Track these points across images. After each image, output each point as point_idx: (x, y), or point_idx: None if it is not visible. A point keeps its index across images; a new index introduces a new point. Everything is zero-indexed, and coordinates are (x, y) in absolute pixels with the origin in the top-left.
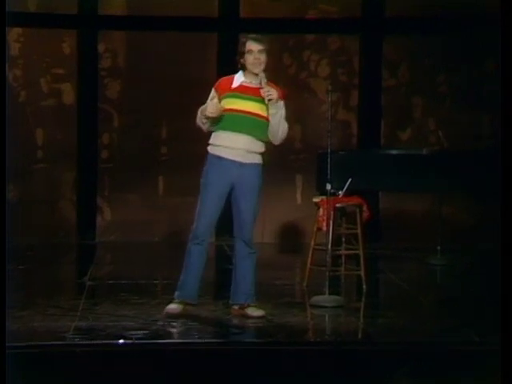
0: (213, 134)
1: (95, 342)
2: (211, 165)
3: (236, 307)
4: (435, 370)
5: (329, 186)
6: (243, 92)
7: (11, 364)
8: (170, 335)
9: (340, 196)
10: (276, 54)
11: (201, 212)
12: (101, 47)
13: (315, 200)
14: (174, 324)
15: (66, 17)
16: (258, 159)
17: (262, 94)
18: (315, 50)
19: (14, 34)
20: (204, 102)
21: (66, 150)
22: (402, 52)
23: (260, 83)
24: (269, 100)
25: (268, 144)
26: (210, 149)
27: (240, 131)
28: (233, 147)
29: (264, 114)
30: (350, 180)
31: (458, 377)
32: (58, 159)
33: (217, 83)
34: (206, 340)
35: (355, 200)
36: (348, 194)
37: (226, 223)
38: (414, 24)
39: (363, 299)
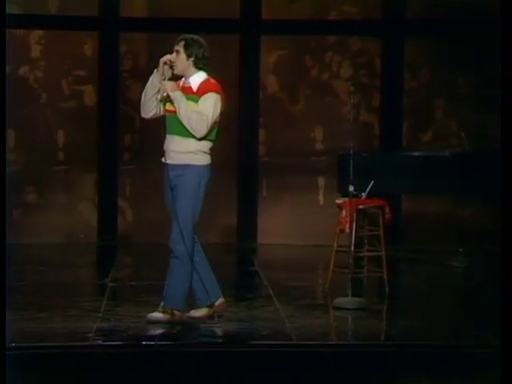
0: None
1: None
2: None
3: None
4: (455, 372)
5: (351, 188)
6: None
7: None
8: (191, 337)
9: (362, 198)
10: (298, 56)
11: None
12: (122, 49)
13: (338, 202)
14: (195, 325)
15: (87, 19)
16: (190, 160)
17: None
18: (337, 51)
19: (35, 36)
20: (227, 105)
21: (86, 152)
22: (423, 53)
23: (165, 78)
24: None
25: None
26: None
27: (169, 132)
28: (166, 150)
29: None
30: (372, 182)
31: (479, 379)
32: (78, 161)
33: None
34: (225, 341)
35: (377, 202)
36: (370, 195)
37: (248, 227)
38: (435, 25)
39: (385, 301)
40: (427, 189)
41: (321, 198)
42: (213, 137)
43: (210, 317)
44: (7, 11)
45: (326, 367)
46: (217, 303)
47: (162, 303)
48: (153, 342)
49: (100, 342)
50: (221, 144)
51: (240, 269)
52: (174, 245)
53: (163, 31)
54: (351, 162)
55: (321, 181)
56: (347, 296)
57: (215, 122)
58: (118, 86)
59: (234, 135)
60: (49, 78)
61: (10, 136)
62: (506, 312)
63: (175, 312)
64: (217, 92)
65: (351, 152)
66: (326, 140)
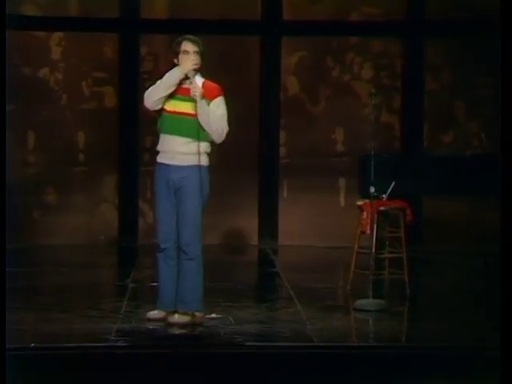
0: (159, 140)
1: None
2: (157, 172)
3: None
4: (477, 374)
5: (372, 189)
6: (176, 92)
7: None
8: (212, 338)
9: (383, 199)
10: (319, 57)
11: (158, 221)
12: (143, 50)
13: (359, 203)
14: (216, 327)
15: (107, 21)
16: (196, 161)
17: (190, 93)
18: (358, 52)
19: (55, 38)
20: (248, 107)
21: (107, 153)
22: (444, 55)
23: (190, 83)
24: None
25: (214, 144)
26: (157, 157)
27: (174, 133)
28: (170, 151)
29: (194, 112)
30: (393, 183)
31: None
32: (99, 162)
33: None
34: (247, 343)
35: (399, 203)
36: (391, 197)
37: (269, 228)
38: (456, 27)
39: (406, 303)
40: (448, 190)
41: (342, 199)
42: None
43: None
44: (27, 13)
45: (346, 369)
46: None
47: (178, 305)
48: (174, 344)
49: (120, 343)
50: (242, 145)
51: (261, 270)
52: (187, 247)
53: (184, 33)
54: (372, 163)
55: (342, 182)
56: (368, 298)
57: None
58: (138, 87)
59: (254, 136)
60: (69, 80)
61: (31, 137)
62: (506, 313)
63: (196, 314)
64: (223, 95)
65: (372, 153)
66: (347, 141)
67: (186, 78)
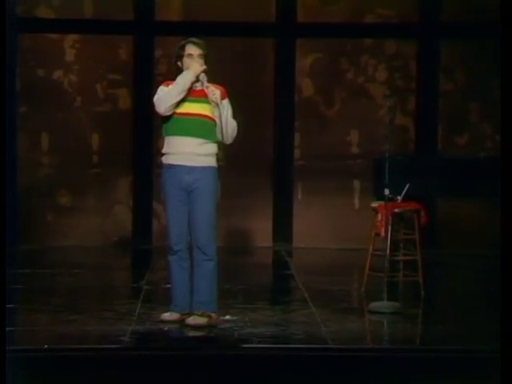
0: (164, 142)
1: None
2: (165, 174)
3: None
4: (491, 375)
5: (387, 191)
6: (187, 95)
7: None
8: (227, 340)
9: (398, 201)
10: (333, 59)
11: (169, 223)
12: (157, 53)
13: (373, 205)
14: (231, 329)
15: (122, 23)
16: (209, 162)
17: (208, 95)
18: (373, 54)
19: (70, 40)
20: (262, 109)
21: (121, 155)
22: (458, 56)
23: (202, 84)
24: (214, 100)
25: (226, 146)
26: (163, 159)
27: (186, 134)
28: (181, 152)
29: (209, 114)
30: (407, 185)
31: None
32: (113, 164)
33: (164, 85)
34: (260, 345)
35: (413, 205)
36: (406, 199)
37: (283, 230)
38: (470, 28)
39: (421, 305)
40: (462, 192)
41: (356, 201)
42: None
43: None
44: (42, 16)
45: (361, 371)
46: (191, 315)
47: (195, 306)
48: (188, 346)
49: (135, 345)
50: (256, 147)
51: (275, 272)
52: (205, 248)
53: (198, 35)
54: (387, 165)
55: (356, 184)
56: (383, 300)
57: None
58: (152, 89)
59: (269, 139)
60: (83, 82)
61: (44, 139)
62: (506, 314)
63: (212, 315)
64: (226, 97)
65: (387, 155)
66: (362, 143)
67: (197, 80)
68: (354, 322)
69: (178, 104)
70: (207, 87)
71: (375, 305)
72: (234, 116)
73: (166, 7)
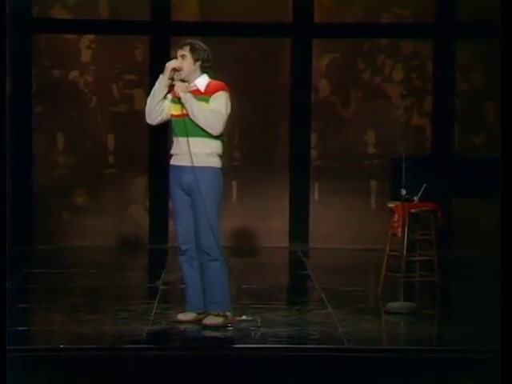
0: None
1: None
2: (170, 175)
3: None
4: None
5: (403, 192)
6: (174, 96)
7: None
8: (244, 340)
9: (415, 201)
10: (350, 59)
11: (176, 223)
12: (173, 53)
13: (390, 205)
14: (247, 330)
15: (138, 23)
16: (209, 162)
17: (176, 93)
18: (389, 54)
19: (86, 40)
20: (279, 109)
21: (137, 155)
22: (475, 56)
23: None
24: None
25: (227, 144)
26: (171, 160)
27: (183, 135)
28: (180, 152)
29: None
30: (424, 185)
31: None
32: (129, 164)
33: None
34: (277, 345)
35: (429, 205)
36: (422, 199)
37: (300, 230)
38: (487, 28)
39: (437, 306)
40: (479, 192)
41: (373, 201)
42: (225, 137)
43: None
44: (57, 17)
45: (377, 372)
46: (209, 315)
47: (209, 307)
48: (205, 345)
49: (151, 344)
50: (273, 147)
51: (292, 272)
52: (209, 249)
53: (214, 35)
54: (403, 165)
55: (373, 184)
56: (399, 300)
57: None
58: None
59: (285, 139)
60: (99, 83)
61: (60, 139)
62: (506, 314)
63: (227, 314)
64: (226, 91)
65: (403, 155)
66: (378, 143)
67: (172, 79)
68: (371, 322)
69: (171, 106)
70: (175, 85)
71: (391, 305)
72: (250, 115)
73: (182, 7)
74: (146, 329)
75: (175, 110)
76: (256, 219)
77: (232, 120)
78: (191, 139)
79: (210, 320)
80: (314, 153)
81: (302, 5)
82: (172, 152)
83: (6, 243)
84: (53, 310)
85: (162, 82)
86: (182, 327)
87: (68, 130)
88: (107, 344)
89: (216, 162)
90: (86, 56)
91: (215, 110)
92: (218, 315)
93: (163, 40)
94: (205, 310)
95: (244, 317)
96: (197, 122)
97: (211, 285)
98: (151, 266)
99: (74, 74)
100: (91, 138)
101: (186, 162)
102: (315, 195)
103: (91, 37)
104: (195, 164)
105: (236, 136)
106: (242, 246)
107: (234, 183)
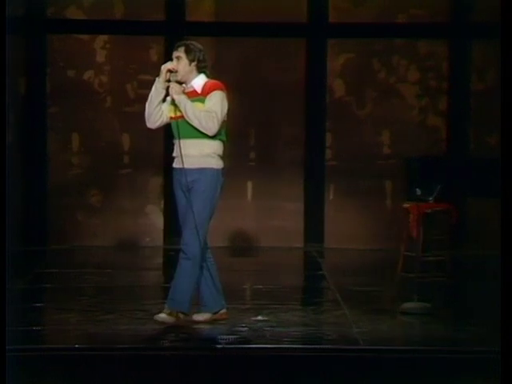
0: None
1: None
2: (173, 177)
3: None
4: None
5: (418, 192)
6: (172, 99)
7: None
8: (259, 339)
9: (430, 202)
10: (365, 59)
11: (181, 224)
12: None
13: (405, 206)
14: (263, 330)
15: (153, 24)
16: (207, 163)
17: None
18: (404, 54)
19: (100, 40)
20: (294, 109)
21: (152, 156)
22: (490, 56)
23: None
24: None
25: (225, 144)
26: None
27: (179, 137)
28: (178, 155)
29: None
30: (439, 186)
31: None
32: (144, 164)
33: None
34: (292, 345)
35: (444, 206)
36: (437, 199)
37: (315, 231)
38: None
39: (451, 306)
40: (494, 192)
41: (388, 201)
42: (223, 137)
43: (210, 322)
44: (72, 17)
45: (392, 372)
46: (221, 312)
47: (166, 304)
48: (219, 346)
49: (167, 343)
50: (287, 147)
51: (307, 272)
52: (186, 246)
53: (229, 35)
54: (418, 165)
55: (388, 185)
56: (414, 301)
57: (223, 121)
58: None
59: (300, 139)
60: (114, 83)
61: (75, 139)
62: (506, 314)
63: (180, 315)
64: (222, 90)
65: (418, 156)
66: (393, 144)
67: (169, 81)
68: (386, 322)
69: (170, 109)
70: (170, 87)
71: (406, 306)
72: (265, 116)
73: (197, 8)
74: (160, 328)
75: (172, 112)
76: (271, 219)
77: (245, 120)
78: (185, 141)
79: (162, 318)
80: (328, 153)
81: (316, 5)
82: (173, 155)
83: (5, 243)
84: (68, 310)
85: (157, 86)
86: (196, 327)
87: (83, 130)
88: (122, 344)
89: (214, 163)
90: (100, 56)
91: (209, 110)
92: (170, 314)
93: (178, 40)
94: (221, 308)
95: (259, 317)
96: (191, 123)
97: (176, 281)
98: (166, 266)
99: (88, 74)
100: (106, 138)
101: (188, 165)
102: (330, 195)
103: (106, 37)
104: (191, 166)
105: (251, 136)
106: (257, 246)
107: (249, 183)
